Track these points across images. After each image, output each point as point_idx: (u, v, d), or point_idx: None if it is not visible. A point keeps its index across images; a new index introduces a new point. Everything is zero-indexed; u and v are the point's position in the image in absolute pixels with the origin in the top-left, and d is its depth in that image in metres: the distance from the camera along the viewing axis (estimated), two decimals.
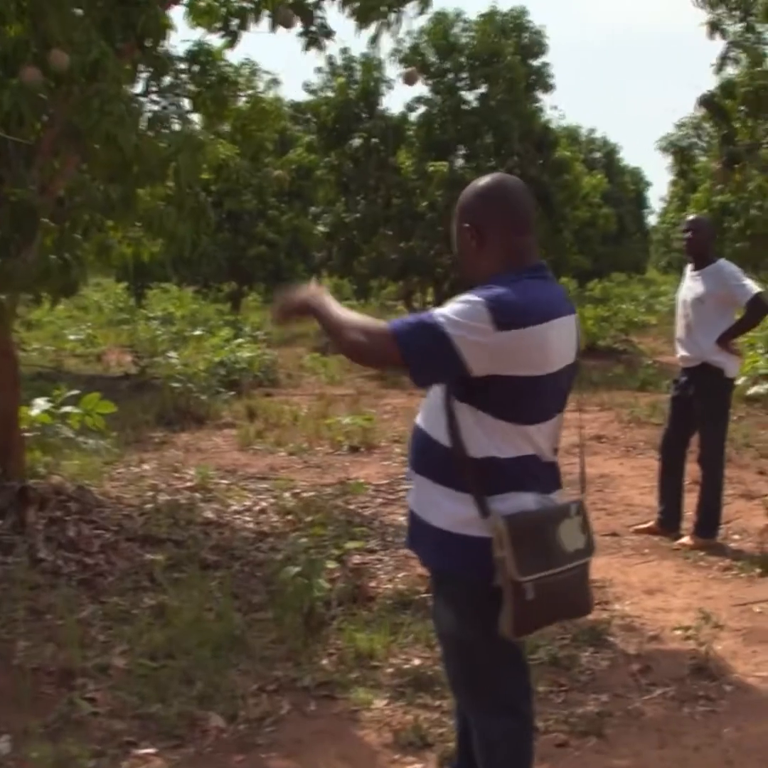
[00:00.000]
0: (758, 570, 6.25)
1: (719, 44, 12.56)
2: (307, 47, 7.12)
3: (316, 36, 7.13)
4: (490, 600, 2.85)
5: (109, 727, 4.19)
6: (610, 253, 41.26)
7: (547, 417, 2.96)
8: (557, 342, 2.89)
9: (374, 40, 7.38)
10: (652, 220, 51.22)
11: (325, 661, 4.88)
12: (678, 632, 5.12)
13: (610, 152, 47.24)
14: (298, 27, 7.04)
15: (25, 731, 4.11)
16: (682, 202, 37.19)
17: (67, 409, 6.94)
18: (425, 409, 3.06)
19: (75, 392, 7.00)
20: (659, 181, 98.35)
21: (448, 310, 2.79)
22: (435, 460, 2.95)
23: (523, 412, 2.89)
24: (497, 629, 2.84)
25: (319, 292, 3.02)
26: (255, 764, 4.00)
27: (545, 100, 20.20)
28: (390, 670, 4.78)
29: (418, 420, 3.09)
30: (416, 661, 4.86)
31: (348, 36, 18.76)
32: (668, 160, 13.01)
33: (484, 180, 3.06)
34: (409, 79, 16.85)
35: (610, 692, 4.57)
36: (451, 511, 2.90)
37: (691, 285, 6.95)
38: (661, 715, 4.36)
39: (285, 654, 4.94)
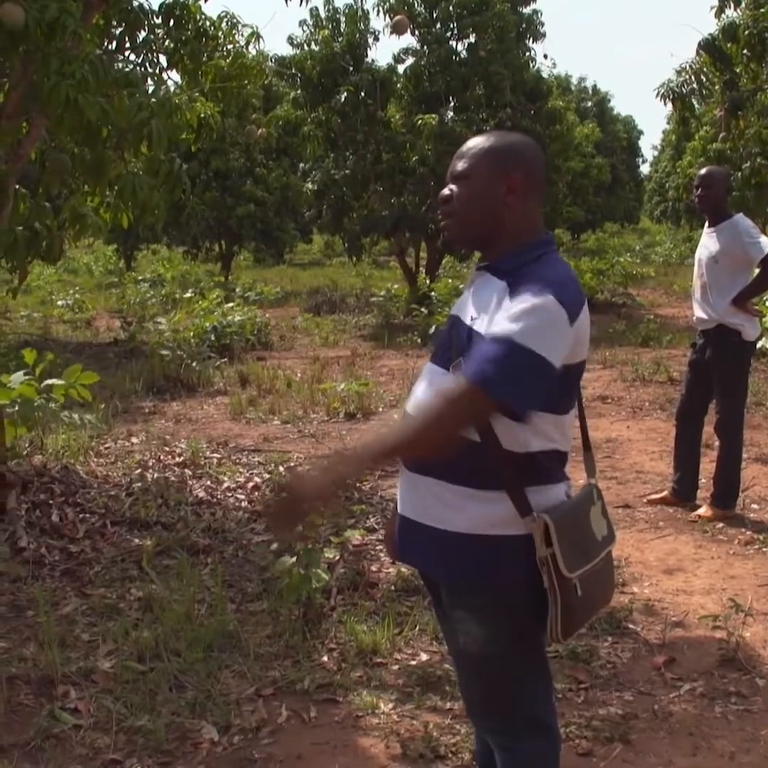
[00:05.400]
0: None
1: None
2: None
3: None
4: (525, 606, 2.60)
5: (92, 742, 3.85)
6: (603, 203, 41.12)
7: (575, 404, 2.72)
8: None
9: None
10: (644, 168, 51.02)
11: (325, 658, 4.54)
12: (703, 620, 4.79)
13: (601, 101, 46.99)
14: None
15: (1, 750, 3.78)
16: (675, 150, 36.90)
17: (51, 381, 6.48)
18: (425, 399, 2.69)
19: (40, 367, 6.50)
20: (651, 129, 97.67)
21: (530, 325, 2.40)
22: (453, 457, 2.55)
23: (562, 400, 2.62)
24: (540, 636, 2.64)
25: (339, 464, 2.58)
26: None
27: (536, 49, 19.46)
28: (395, 667, 4.45)
29: (416, 411, 2.69)
30: (423, 657, 4.53)
31: None
32: (664, 107, 12.52)
33: (519, 135, 2.75)
34: (398, 28, 16.30)
35: (634, 689, 4.23)
36: (478, 512, 2.57)
37: (706, 243, 6.52)
38: (691, 715, 4.01)
39: (282, 651, 4.60)
